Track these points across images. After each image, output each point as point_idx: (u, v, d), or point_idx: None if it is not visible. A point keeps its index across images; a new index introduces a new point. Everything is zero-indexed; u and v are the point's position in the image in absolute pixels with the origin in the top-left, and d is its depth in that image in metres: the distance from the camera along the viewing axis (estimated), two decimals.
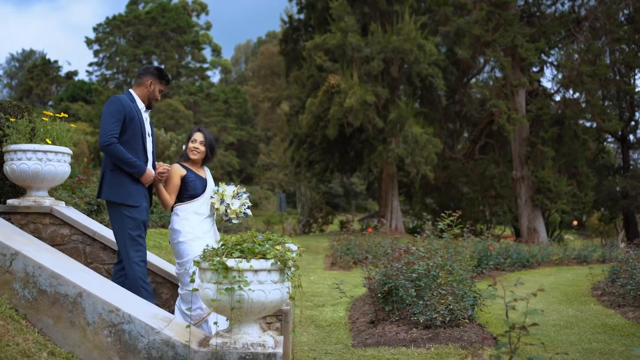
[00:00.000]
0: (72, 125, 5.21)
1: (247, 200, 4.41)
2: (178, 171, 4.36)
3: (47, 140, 4.76)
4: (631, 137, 26.35)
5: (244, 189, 4.49)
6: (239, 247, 3.24)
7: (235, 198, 4.36)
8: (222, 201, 4.34)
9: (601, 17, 21.42)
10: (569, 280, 10.39)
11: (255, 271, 3.15)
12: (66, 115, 5.13)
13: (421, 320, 5.46)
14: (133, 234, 4.02)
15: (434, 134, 20.20)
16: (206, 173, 4.56)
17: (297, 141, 21.72)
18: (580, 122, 23.16)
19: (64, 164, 4.80)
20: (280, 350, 3.22)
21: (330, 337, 5.66)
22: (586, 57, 21.09)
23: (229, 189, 4.40)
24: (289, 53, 23.25)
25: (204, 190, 4.41)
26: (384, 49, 18.57)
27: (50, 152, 4.69)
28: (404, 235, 16.90)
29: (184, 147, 4.59)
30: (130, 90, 4.26)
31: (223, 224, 4.99)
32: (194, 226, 4.30)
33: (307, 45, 19.73)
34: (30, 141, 4.76)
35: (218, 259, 3.14)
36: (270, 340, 3.25)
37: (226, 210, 4.30)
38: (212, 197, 4.41)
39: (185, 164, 4.45)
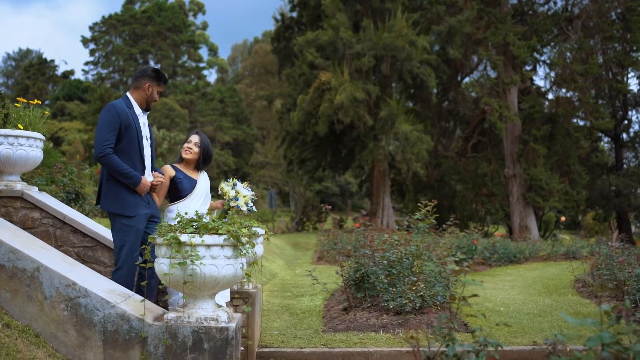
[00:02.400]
0: (45, 111, 5.28)
1: (254, 197, 4.47)
2: (167, 172, 4.36)
3: (19, 125, 4.83)
4: (624, 135, 26.41)
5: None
6: (193, 223, 3.30)
7: (245, 189, 4.41)
8: (234, 186, 4.37)
9: (593, 15, 21.51)
10: (553, 274, 10.47)
11: (208, 246, 3.21)
12: (40, 102, 5.19)
13: (391, 307, 5.53)
14: (128, 242, 4.00)
15: (425, 132, 20.26)
16: (200, 176, 4.51)
17: (289, 139, 21.79)
18: (574, 120, 23.24)
19: (35, 149, 4.86)
20: (233, 325, 3.29)
21: (302, 323, 5.72)
22: (578, 55, 21.16)
23: (239, 182, 4.45)
24: (281, 51, 23.32)
25: (191, 191, 4.40)
26: (375, 46, 18.64)
27: (22, 137, 4.75)
28: (395, 232, 16.99)
29: (180, 150, 4.60)
30: (127, 94, 4.17)
31: None
32: None
33: (299, 41, 19.77)
34: (3, 126, 4.82)
35: (172, 234, 3.21)
36: (223, 315, 3.31)
37: (236, 196, 4.31)
38: (224, 182, 4.42)
39: (178, 165, 4.45)
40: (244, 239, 3.34)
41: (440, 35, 20.58)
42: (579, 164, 22.57)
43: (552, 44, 23.01)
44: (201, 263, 3.16)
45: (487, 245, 12.83)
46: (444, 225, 7.87)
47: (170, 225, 3.30)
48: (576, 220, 35.24)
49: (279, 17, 24.01)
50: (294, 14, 23.83)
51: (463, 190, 23.12)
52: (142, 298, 3.39)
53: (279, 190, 30.31)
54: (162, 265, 3.26)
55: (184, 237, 3.19)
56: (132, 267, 3.99)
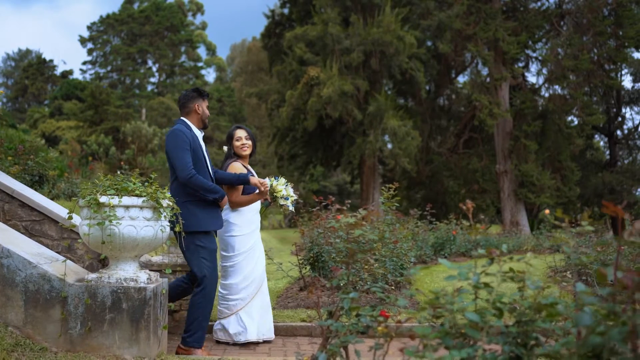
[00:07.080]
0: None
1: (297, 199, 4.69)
2: (241, 169, 4.44)
3: None
4: (618, 132, 26.35)
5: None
6: (115, 186, 3.37)
7: (291, 190, 4.58)
8: (285, 185, 4.53)
9: (585, 11, 21.49)
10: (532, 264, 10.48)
11: (127, 207, 3.28)
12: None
13: (342, 285, 5.58)
14: (206, 261, 4.03)
15: (415, 128, 20.26)
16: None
17: (279, 135, 21.86)
18: (569, 118, 23.20)
19: None
20: (152, 286, 3.35)
21: None
22: (569, 51, 21.14)
23: (286, 183, 4.62)
24: (271, 47, 23.37)
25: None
26: (364, 41, 18.68)
27: None
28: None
29: (225, 148, 4.66)
30: (182, 119, 4.20)
31: None
32: (251, 220, 4.44)
33: (288, 36, 19.84)
34: None
35: (92, 196, 3.28)
36: (143, 276, 3.37)
37: (287, 196, 4.47)
38: (273, 180, 4.52)
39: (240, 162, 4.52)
40: (165, 202, 3.41)
41: (430, 30, 20.60)
42: (572, 160, 22.53)
43: (544, 40, 22.99)
44: (118, 223, 3.23)
45: (468, 236, 12.83)
46: (411, 211, 7.91)
47: (92, 187, 3.37)
48: (574, 219, 35.19)
49: (269, 14, 24.05)
50: (285, 10, 23.89)
51: (454, 187, 23.11)
52: (63, 259, 3.46)
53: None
54: (84, 226, 3.33)
55: (103, 199, 3.26)
56: (213, 284, 4.06)
